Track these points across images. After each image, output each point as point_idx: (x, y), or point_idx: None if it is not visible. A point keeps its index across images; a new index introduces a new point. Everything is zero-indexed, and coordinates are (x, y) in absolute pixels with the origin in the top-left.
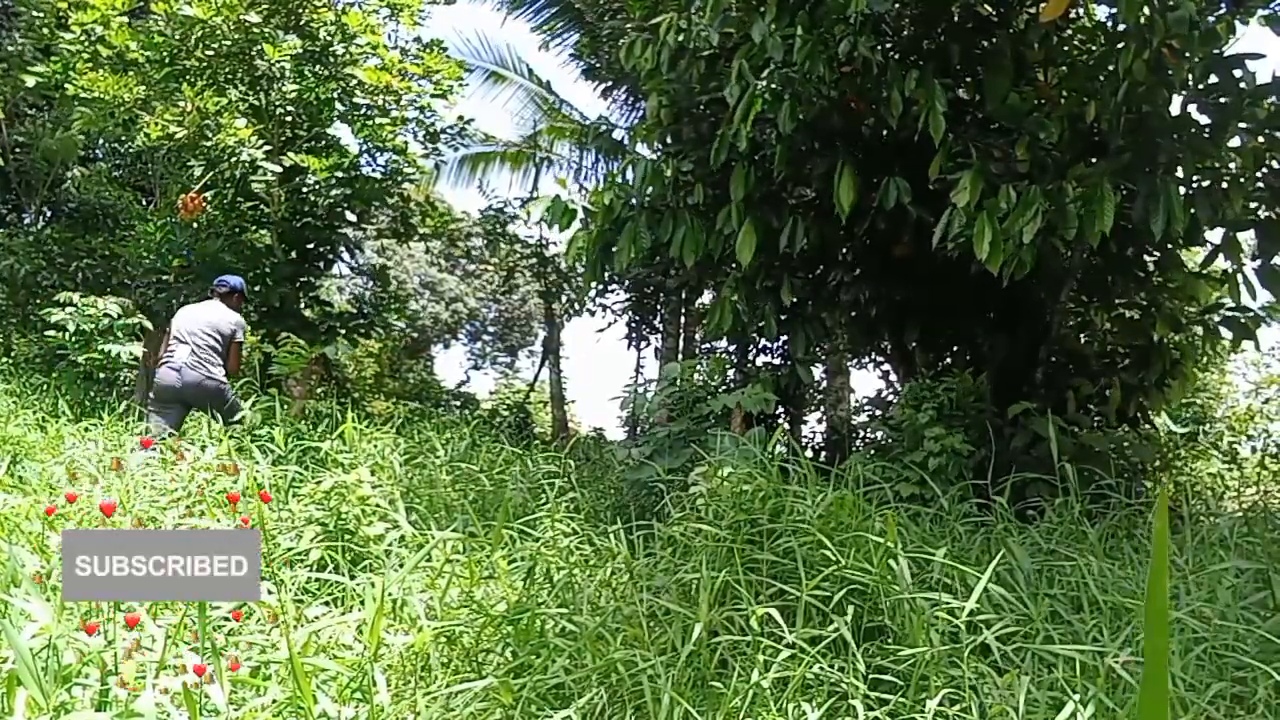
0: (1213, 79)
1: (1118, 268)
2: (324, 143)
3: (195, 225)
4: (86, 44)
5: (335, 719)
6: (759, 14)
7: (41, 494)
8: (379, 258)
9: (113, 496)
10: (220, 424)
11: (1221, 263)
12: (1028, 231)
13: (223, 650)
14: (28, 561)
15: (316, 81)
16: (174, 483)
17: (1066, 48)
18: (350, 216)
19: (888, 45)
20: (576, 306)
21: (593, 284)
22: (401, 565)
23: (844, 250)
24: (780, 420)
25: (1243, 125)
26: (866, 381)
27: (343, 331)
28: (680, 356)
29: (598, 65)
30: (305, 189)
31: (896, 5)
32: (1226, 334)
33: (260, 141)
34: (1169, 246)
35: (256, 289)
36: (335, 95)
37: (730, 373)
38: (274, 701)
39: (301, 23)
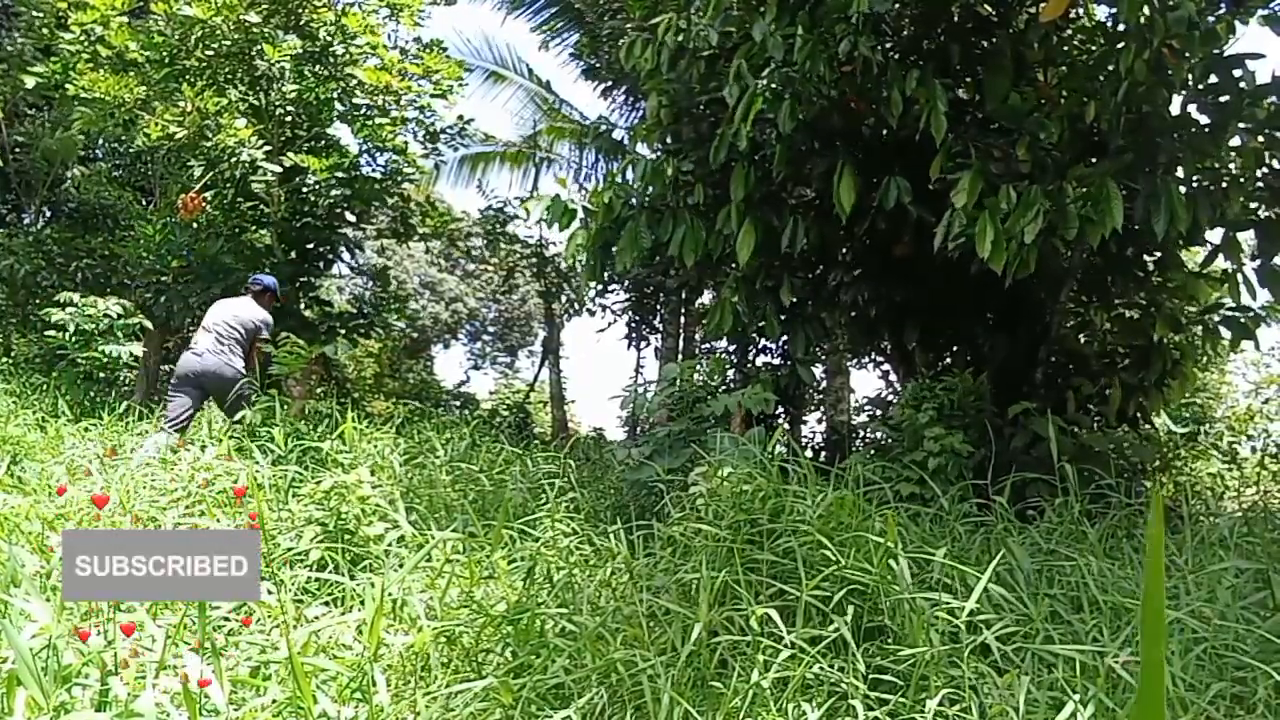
0: (1213, 79)
1: (1118, 268)
2: (324, 143)
3: (195, 225)
4: (86, 44)
5: (335, 719)
6: (759, 14)
7: (41, 494)
8: (379, 258)
9: (112, 495)
10: (224, 414)
11: (1221, 263)
12: (1029, 231)
13: (223, 650)
14: (28, 561)
15: (316, 81)
16: (174, 483)
17: (1066, 48)
18: (350, 216)
19: (888, 45)
20: (576, 306)
21: (592, 284)
22: (401, 565)
23: (844, 250)
24: (780, 420)
25: (1243, 125)
26: (866, 381)
27: (343, 331)
28: (680, 356)
29: (598, 65)
30: (305, 189)
31: (896, 5)
32: (1226, 334)
33: (260, 141)
34: (1169, 246)
35: None
36: (335, 95)
37: (730, 373)
38: (274, 701)
39: (301, 23)
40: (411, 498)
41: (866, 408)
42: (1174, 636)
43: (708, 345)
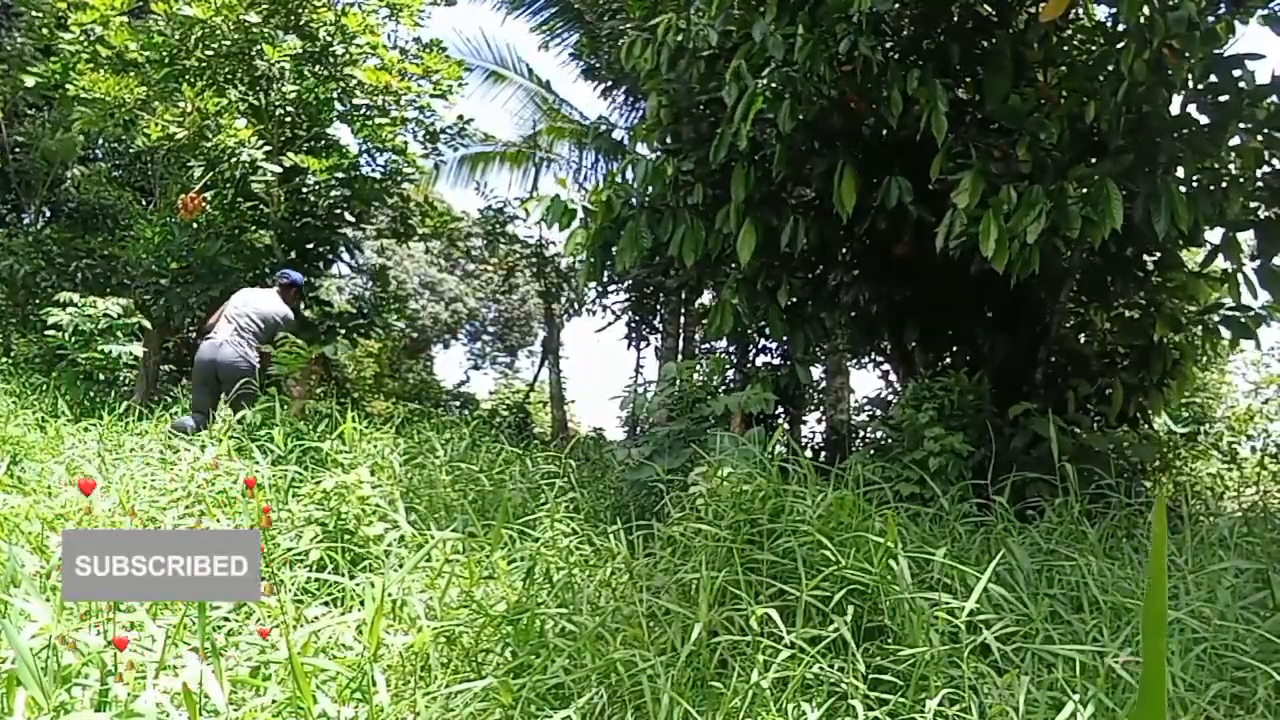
0: (1213, 79)
1: (1117, 268)
2: (324, 143)
3: (195, 225)
4: (86, 44)
5: (335, 719)
6: (759, 13)
7: (41, 494)
8: (379, 258)
9: (112, 495)
10: (226, 402)
11: (1221, 263)
12: (1031, 231)
13: (223, 650)
14: (28, 561)
15: (316, 82)
16: (174, 483)
17: (1066, 48)
18: (350, 217)
19: (888, 45)
20: (576, 306)
21: (591, 284)
22: (401, 565)
23: (844, 250)
24: (780, 420)
25: (1243, 125)
26: (866, 381)
27: (343, 331)
28: (680, 356)
29: (597, 65)
30: (305, 189)
31: (897, 5)
32: (1226, 334)
33: (260, 142)
34: (1169, 246)
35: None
36: (335, 95)
37: (730, 373)
38: (274, 701)
39: (301, 23)
40: (411, 498)
41: (866, 408)
42: (1174, 636)
43: (708, 345)
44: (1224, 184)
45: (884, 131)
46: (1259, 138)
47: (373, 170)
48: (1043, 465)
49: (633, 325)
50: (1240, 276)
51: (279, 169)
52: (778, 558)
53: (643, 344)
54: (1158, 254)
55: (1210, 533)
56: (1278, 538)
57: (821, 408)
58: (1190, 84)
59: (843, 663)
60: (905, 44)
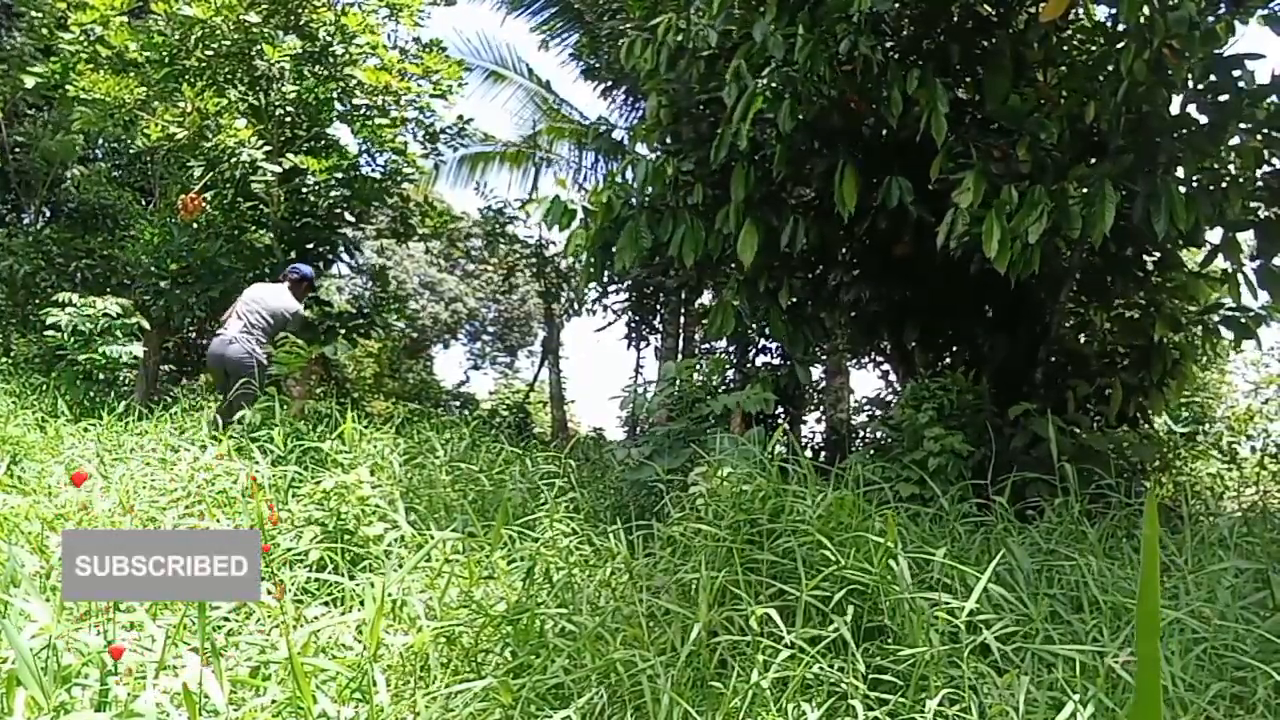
0: (1212, 79)
1: (1117, 268)
2: (324, 143)
3: (195, 226)
4: (86, 44)
5: (335, 719)
6: (759, 13)
7: (40, 494)
8: (379, 258)
9: (112, 495)
10: (227, 399)
11: (1221, 263)
12: (1034, 231)
13: (223, 650)
14: (27, 561)
15: (316, 82)
16: (174, 483)
17: (1066, 48)
18: (350, 217)
19: (888, 45)
20: (576, 306)
21: (591, 284)
22: (401, 565)
23: (844, 250)
24: (780, 420)
25: (1242, 125)
26: (866, 381)
27: (342, 331)
28: (680, 356)
29: (597, 65)
30: (305, 189)
31: (897, 5)
32: (1226, 334)
33: (260, 142)
34: (1169, 246)
35: None
36: (335, 95)
37: (730, 373)
38: (274, 701)
39: (301, 23)
40: (411, 498)
41: (866, 408)
42: (1174, 636)
43: (708, 345)
44: (1224, 184)
45: (884, 131)
46: (1259, 138)
47: (373, 170)
48: (1042, 465)
49: (632, 325)
50: (1240, 276)
51: (279, 169)
52: (777, 558)
53: (643, 344)
54: (1158, 254)
55: (1210, 533)
56: (1278, 538)
57: (821, 408)
58: (1190, 84)
59: (843, 663)
60: (905, 44)
